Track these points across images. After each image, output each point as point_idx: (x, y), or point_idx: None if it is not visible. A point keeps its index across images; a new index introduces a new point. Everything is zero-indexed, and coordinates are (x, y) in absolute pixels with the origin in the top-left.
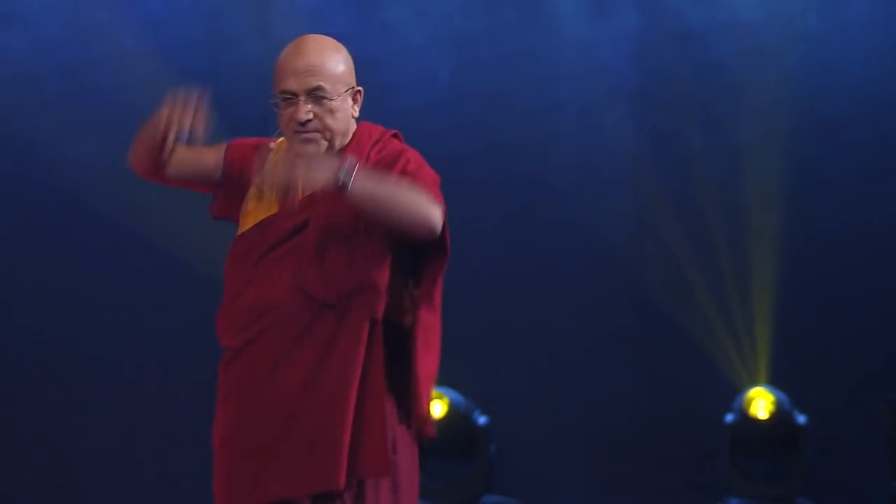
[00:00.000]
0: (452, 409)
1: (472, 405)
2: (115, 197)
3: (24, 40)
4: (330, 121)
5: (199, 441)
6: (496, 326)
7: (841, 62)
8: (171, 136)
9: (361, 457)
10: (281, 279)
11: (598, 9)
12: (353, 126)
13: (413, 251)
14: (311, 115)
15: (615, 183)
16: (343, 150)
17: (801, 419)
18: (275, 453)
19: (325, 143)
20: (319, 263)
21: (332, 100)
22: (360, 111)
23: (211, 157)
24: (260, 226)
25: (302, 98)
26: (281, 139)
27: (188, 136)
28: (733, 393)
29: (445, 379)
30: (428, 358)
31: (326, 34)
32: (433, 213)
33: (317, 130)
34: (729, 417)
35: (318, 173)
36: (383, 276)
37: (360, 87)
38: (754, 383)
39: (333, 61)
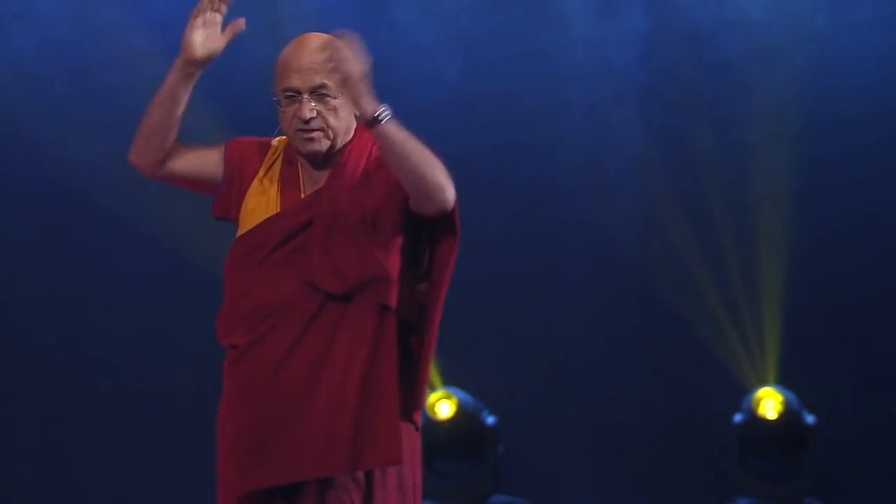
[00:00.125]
0: (461, 409)
1: (480, 405)
2: (124, 197)
3: (31, 41)
4: (333, 119)
5: (204, 441)
6: (504, 326)
7: (849, 62)
8: (202, 17)
9: (370, 446)
10: (287, 277)
11: (606, 8)
12: (354, 124)
13: (422, 241)
14: (314, 113)
15: (623, 182)
16: (345, 148)
17: (810, 419)
18: (283, 443)
19: (327, 143)
20: (328, 256)
21: (335, 98)
22: None
23: (212, 156)
24: (262, 225)
25: (306, 96)
26: (281, 138)
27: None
28: (741, 393)
29: (454, 379)
30: (431, 350)
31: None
32: (448, 185)
33: (320, 129)
34: (737, 417)
35: (366, 93)
36: (394, 266)
37: None
38: (763, 383)
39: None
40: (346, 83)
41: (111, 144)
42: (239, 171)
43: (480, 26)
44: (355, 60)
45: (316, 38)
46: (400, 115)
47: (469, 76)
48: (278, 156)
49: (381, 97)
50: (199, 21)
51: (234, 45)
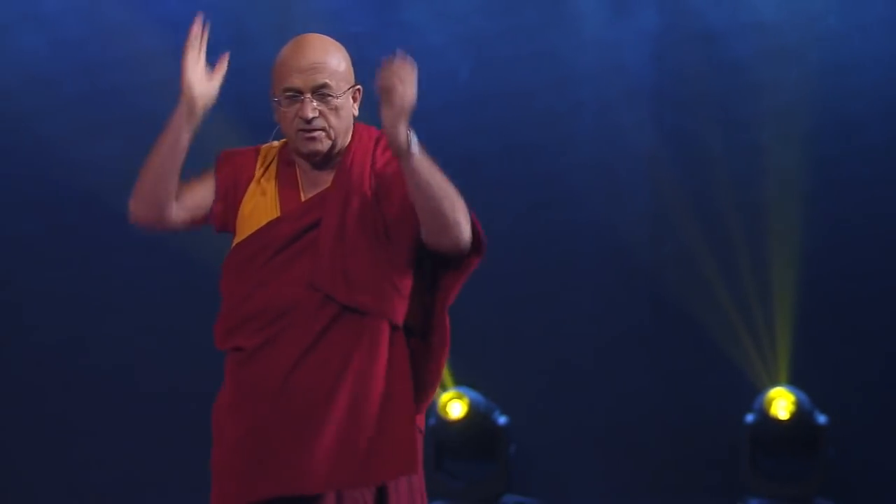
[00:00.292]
0: (472, 409)
1: (491, 405)
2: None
3: (42, 41)
4: (334, 119)
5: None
6: (516, 326)
7: (861, 63)
8: (196, 53)
9: (387, 458)
10: (294, 278)
11: (618, 9)
12: (352, 125)
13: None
14: (317, 113)
15: (634, 183)
16: (346, 149)
17: (822, 419)
18: (296, 452)
19: (328, 142)
20: (339, 261)
21: (336, 97)
22: (379, 111)
23: (207, 188)
24: (263, 230)
25: (308, 96)
26: (272, 144)
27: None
28: (753, 393)
29: (465, 379)
30: (441, 356)
31: (346, 34)
32: (466, 225)
33: (322, 129)
34: (749, 417)
35: (406, 121)
36: (406, 283)
37: (359, 86)
38: (774, 383)
39: (336, 59)
40: (391, 105)
41: (119, 145)
42: (233, 183)
43: (492, 27)
44: (410, 86)
45: (315, 39)
46: (411, 115)
47: (480, 77)
48: (273, 160)
49: None
50: (192, 58)
51: (244, 45)
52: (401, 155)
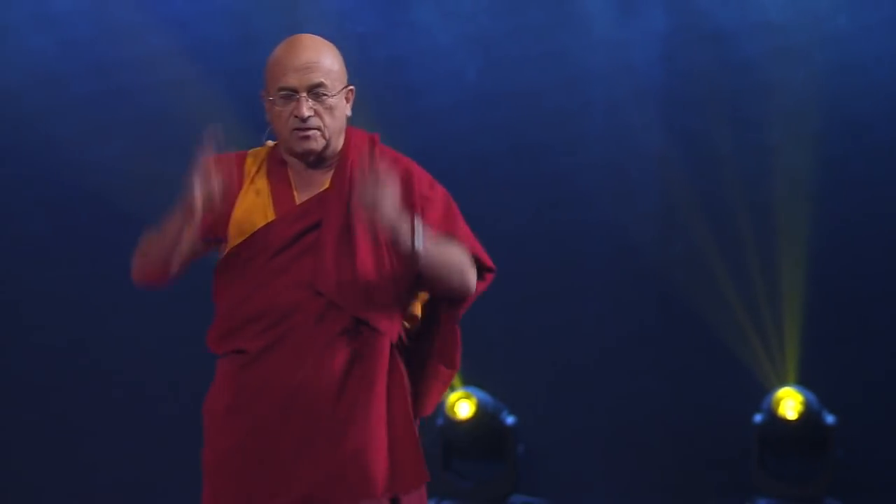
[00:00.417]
0: (480, 409)
1: (499, 405)
2: (139, 198)
3: (50, 41)
4: (329, 119)
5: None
6: (524, 326)
7: (870, 63)
8: (209, 174)
9: (398, 472)
10: (295, 280)
11: (627, 9)
12: (345, 126)
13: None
14: (312, 112)
15: (643, 183)
16: (342, 151)
17: (830, 419)
18: (303, 460)
19: (323, 142)
20: (344, 268)
21: (331, 97)
22: (388, 111)
23: (195, 227)
24: (260, 233)
25: (303, 94)
26: (263, 146)
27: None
28: (762, 393)
29: (473, 379)
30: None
31: (354, 34)
32: (472, 279)
33: (317, 128)
34: (757, 417)
35: (403, 230)
36: (406, 296)
37: (352, 87)
38: (783, 383)
39: (330, 59)
40: (380, 225)
41: (130, 144)
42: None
43: (500, 27)
44: (388, 203)
45: (309, 39)
46: (420, 115)
47: (489, 76)
48: (262, 163)
49: (401, 98)
50: (203, 178)
51: (251, 46)
52: (408, 256)
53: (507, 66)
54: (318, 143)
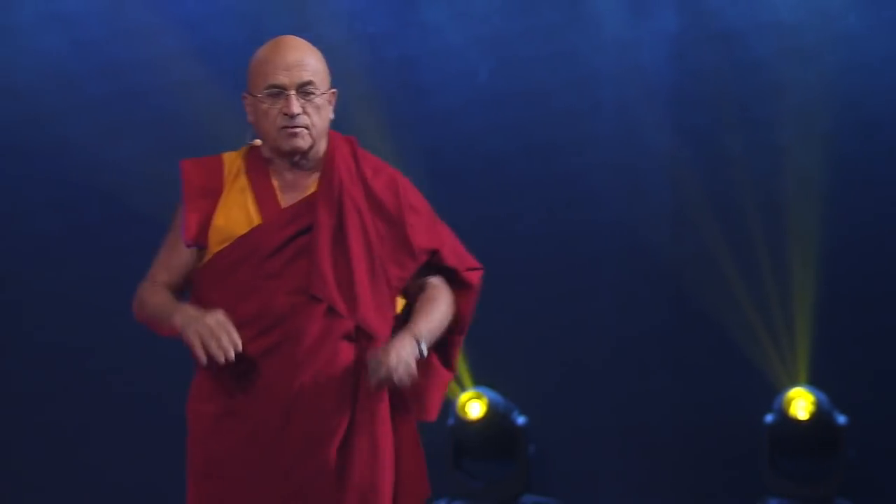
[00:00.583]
0: (491, 409)
1: (510, 405)
2: (152, 198)
3: (64, 42)
4: (316, 118)
5: None
6: (535, 326)
7: (880, 62)
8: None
9: (407, 486)
10: (288, 285)
11: (637, 9)
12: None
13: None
14: (301, 109)
15: (654, 183)
16: (326, 154)
17: (842, 419)
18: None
19: (310, 140)
20: (340, 272)
21: (319, 96)
22: (399, 111)
23: (184, 254)
24: (246, 238)
25: (292, 92)
26: (230, 153)
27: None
28: (773, 393)
29: (484, 379)
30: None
31: (365, 35)
32: (452, 312)
33: (305, 126)
34: (768, 418)
35: (410, 360)
36: (394, 302)
37: (335, 90)
38: (794, 383)
39: (317, 60)
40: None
41: (143, 144)
42: (202, 193)
43: (511, 27)
44: (404, 368)
45: (296, 40)
46: (431, 115)
47: (500, 77)
48: (240, 167)
49: (412, 98)
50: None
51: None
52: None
53: (518, 66)
54: (305, 142)
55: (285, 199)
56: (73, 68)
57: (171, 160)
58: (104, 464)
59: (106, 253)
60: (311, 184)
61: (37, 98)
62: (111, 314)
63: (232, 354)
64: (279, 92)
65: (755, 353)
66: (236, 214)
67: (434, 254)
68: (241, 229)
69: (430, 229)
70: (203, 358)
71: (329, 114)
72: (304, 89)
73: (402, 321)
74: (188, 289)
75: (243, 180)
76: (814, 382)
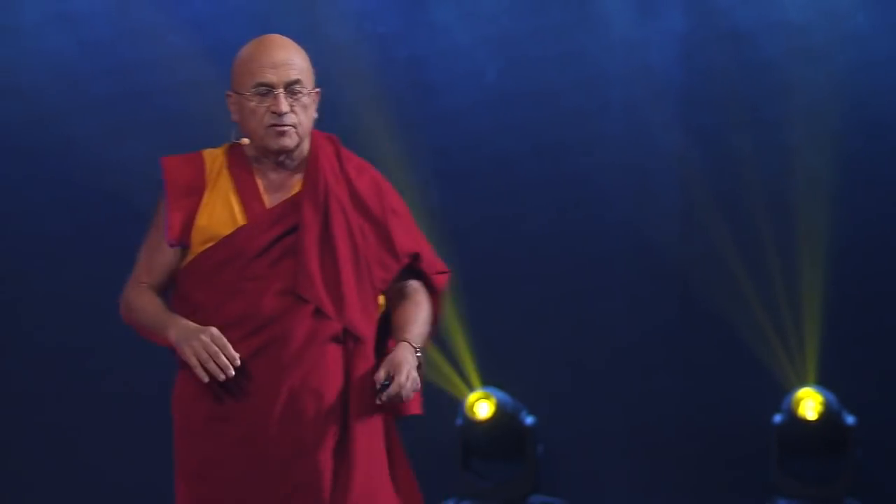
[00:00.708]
0: (500, 410)
1: (519, 405)
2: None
3: (71, 41)
4: (303, 116)
5: None
6: (543, 326)
7: (889, 62)
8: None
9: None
10: (275, 286)
11: (645, 9)
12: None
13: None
14: (289, 108)
15: (662, 183)
16: (310, 154)
17: (850, 420)
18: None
19: (297, 139)
20: (328, 273)
21: (306, 95)
22: (407, 111)
23: (168, 253)
24: (232, 238)
25: (281, 91)
26: (210, 150)
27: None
28: (781, 393)
29: (493, 379)
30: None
31: (374, 35)
32: (433, 316)
33: (292, 125)
34: (777, 418)
35: (416, 374)
36: (377, 302)
37: (318, 90)
38: (803, 384)
39: (303, 58)
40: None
41: (150, 145)
42: (185, 191)
43: (520, 27)
44: (412, 384)
45: (282, 38)
46: (439, 115)
47: (508, 77)
48: (222, 165)
49: (421, 98)
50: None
51: None
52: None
53: (527, 66)
54: (292, 140)
55: (269, 199)
56: (79, 68)
57: None
58: (104, 464)
59: (110, 253)
60: (294, 183)
61: (42, 98)
62: (114, 314)
63: (232, 372)
64: (267, 90)
65: (764, 354)
66: (220, 214)
67: (415, 257)
68: (226, 229)
69: (410, 232)
70: (204, 377)
71: (314, 113)
72: (292, 88)
73: (383, 321)
74: (172, 286)
75: (226, 179)
76: (822, 382)
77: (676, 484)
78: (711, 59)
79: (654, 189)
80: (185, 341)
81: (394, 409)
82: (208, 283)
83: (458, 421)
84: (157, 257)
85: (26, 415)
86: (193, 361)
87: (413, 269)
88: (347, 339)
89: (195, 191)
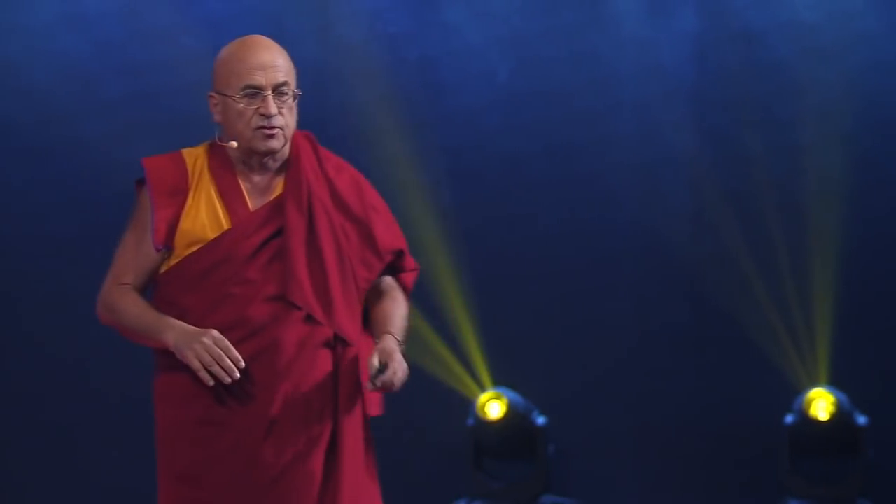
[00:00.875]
0: (511, 410)
1: (530, 405)
2: None
3: (83, 42)
4: (289, 118)
5: None
6: (555, 327)
7: None
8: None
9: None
10: (265, 292)
11: (657, 9)
12: None
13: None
14: (277, 110)
15: (674, 183)
16: (291, 155)
17: (862, 420)
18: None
19: (283, 141)
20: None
21: (292, 97)
22: (419, 111)
23: (150, 255)
24: (218, 242)
25: (269, 93)
26: (190, 149)
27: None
28: (793, 394)
29: (504, 379)
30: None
31: (385, 35)
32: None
33: (280, 127)
34: (788, 418)
35: (405, 365)
36: (361, 303)
37: (300, 92)
38: (814, 384)
39: (287, 59)
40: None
41: (157, 146)
42: (168, 192)
43: (531, 27)
44: (402, 373)
45: (267, 40)
46: (451, 115)
47: (520, 77)
48: (203, 167)
49: (432, 98)
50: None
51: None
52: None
53: (538, 66)
54: (279, 142)
55: (253, 202)
56: (90, 69)
57: None
58: (104, 464)
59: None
60: (277, 185)
61: (53, 98)
62: None
63: (237, 375)
64: (255, 92)
65: (775, 354)
66: (204, 217)
67: (398, 254)
68: (211, 233)
69: (391, 229)
70: (209, 380)
71: (296, 115)
72: (279, 90)
73: (363, 320)
74: (151, 286)
75: (208, 180)
76: (834, 383)
77: (687, 484)
78: (723, 59)
79: (665, 189)
80: (186, 344)
81: (366, 404)
82: (195, 287)
83: (470, 421)
84: (139, 258)
85: (26, 415)
86: (196, 364)
87: (393, 266)
88: (336, 343)
89: (179, 192)
